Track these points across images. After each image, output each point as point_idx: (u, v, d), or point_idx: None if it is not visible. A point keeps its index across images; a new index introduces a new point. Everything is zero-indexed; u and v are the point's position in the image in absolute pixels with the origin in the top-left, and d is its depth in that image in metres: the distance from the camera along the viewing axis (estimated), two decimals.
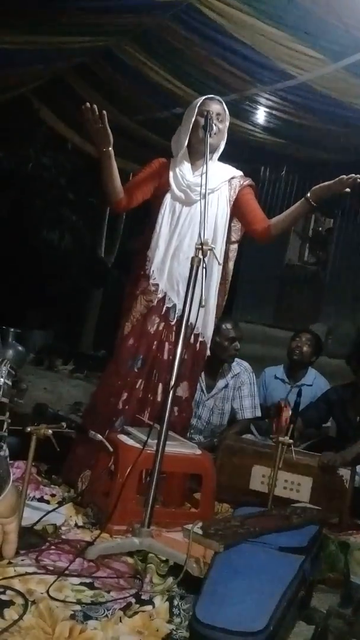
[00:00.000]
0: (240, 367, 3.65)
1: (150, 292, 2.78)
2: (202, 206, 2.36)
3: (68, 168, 8.71)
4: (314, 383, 4.01)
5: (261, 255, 7.41)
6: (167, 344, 2.78)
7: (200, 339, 2.84)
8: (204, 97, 2.80)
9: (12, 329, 6.65)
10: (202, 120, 2.71)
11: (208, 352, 2.92)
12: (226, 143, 2.89)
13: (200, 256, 2.22)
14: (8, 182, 8.58)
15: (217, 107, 2.77)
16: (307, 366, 4.10)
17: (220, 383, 3.62)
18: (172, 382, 2.21)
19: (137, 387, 2.77)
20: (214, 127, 2.70)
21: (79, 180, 8.85)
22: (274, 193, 7.23)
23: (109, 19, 4.14)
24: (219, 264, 2.77)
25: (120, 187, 2.81)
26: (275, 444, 2.68)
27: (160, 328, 2.79)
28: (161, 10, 3.98)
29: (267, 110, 4.98)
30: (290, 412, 3.00)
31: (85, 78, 5.66)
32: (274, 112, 4.97)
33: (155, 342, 2.78)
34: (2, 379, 2.29)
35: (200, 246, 2.22)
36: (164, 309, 2.78)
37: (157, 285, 2.78)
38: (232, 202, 2.85)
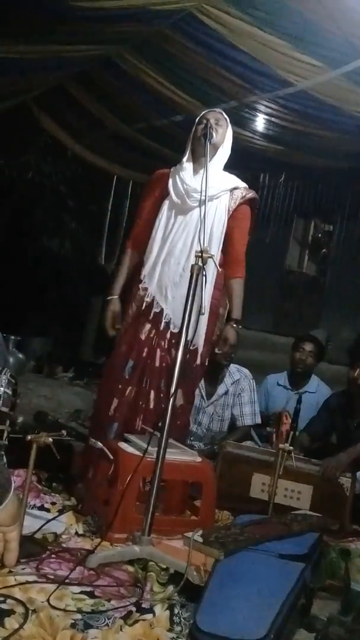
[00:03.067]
0: (240, 373, 3.66)
1: (140, 297, 2.81)
2: (201, 214, 2.37)
3: (68, 175, 8.74)
4: (317, 390, 4.01)
5: (261, 261, 7.43)
6: (158, 350, 2.79)
7: (191, 347, 2.80)
8: (206, 110, 2.89)
9: (12, 337, 6.68)
10: (200, 128, 2.77)
11: (198, 361, 2.88)
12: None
13: (200, 264, 2.22)
14: (8, 190, 8.61)
15: (214, 115, 2.85)
16: (310, 374, 4.10)
17: (220, 389, 3.62)
18: (172, 390, 2.21)
19: (127, 393, 2.78)
20: (213, 134, 2.72)
21: (79, 188, 8.88)
22: (273, 199, 7.25)
23: (109, 28, 4.16)
24: (218, 270, 2.78)
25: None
26: (275, 451, 2.68)
27: (151, 335, 2.80)
28: (161, 19, 4.00)
29: (266, 117, 5.00)
30: (289, 426, 3.00)
31: (85, 86, 5.68)
32: (273, 119, 4.99)
33: (145, 349, 2.79)
34: (2, 388, 2.30)
35: (200, 254, 2.22)
36: (152, 314, 2.79)
37: (147, 289, 2.80)
38: (230, 213, 2.86)
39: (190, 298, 2.24)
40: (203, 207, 2.36)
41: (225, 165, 2.97)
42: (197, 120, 2.86)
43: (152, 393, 2.77)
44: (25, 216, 8.76)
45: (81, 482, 2.77)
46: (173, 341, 2.77)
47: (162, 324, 2.78)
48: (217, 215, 2.82)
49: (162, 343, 2.79)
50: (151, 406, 2.76)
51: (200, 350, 2.85)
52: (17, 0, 3.48)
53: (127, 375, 2.78)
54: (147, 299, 2.79)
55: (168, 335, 2.79)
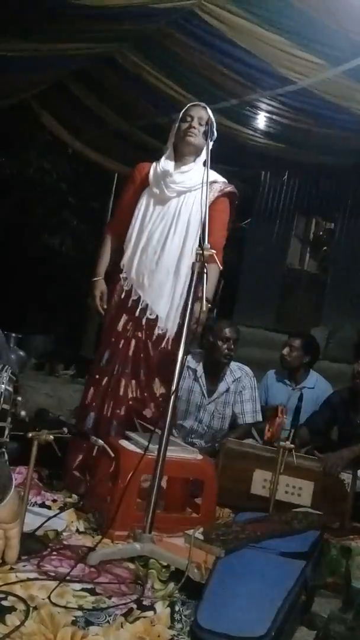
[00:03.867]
0: (241, 371, 3.66)
1: (120, 287, 2.88)
2: (203, 210, 2.36)
3: (69, 173, 8.74)
4: (316, 386, 4.01)
5: (262, 259, 7.43)
6: (133, 340, 2.86)
7: (166, 337, 2.86)
8: (189, 104, 2.90)
9: (13, 334, 6.68)
10: (183, 125, 2.82)
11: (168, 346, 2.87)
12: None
13: (201, 260, 2.23)
14: (9, 187, 8.61)
15: (199, 111, 2.85)
16: (309, 369, 4.10)
17: (221, 387, 3.62)
18: (173, 389, 2.22)
19: (103, 383, 2.86)
20: (214, 132, 2.75)
21: (79, 185, 8.88)
22: (275, 197, 7.25)
23: (110, 26, 4.16)
24: (219, 267, 2.80)
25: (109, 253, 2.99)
26: (276, 448, 2.68)
27: (128, 326, 2.86)
28: (162, 17, 4.00)
29: (267, 115, 5.00)
30: (285, 419, 3.01)
31: (86, 84, 5.69)
32: (274, 117, 4.98)
33: (122, 340, 2.85)
34: (3, 385, 2.30)
35: (200, 250, 2.23)
36: (130, 302, 2.85)
37: (125, 277, 2.87)
38: (208, 205, 2.89)
39: (192, 295, 2.29)
40: (204, 205, 2.36)
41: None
42: (180, 115, 2.86)
43: (123, 380, 2.83)
44: (26, 213, 8.76)
45: (73, 472, 2.81)
46: (148, 332, 2.84)
47: (139, 311, 2.84)
48: (195, 207, 2.84)
49: (139, 334, 2.85)
50: (121, 393, 2.83)
51: (171, 337, 2.86)
52: None
53: (103, 365, 2.86)
54: (126, 287, 2.86)
55: (144, 324, 2.84)
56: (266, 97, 4.67)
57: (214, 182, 2.89)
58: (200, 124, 2.81)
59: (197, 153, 2.87)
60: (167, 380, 2.96)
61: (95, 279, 2.92)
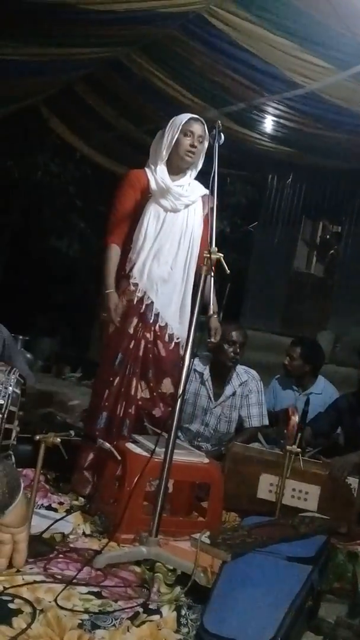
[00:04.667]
0: (248, 375, 3.65)
1: (130, 292, 2.90)
2: (211, 217, 2.39)
3: (76, 176, 8.78)
4: (323, 391, 4.00)
5: (268, 262, 7.42)
6: (143, 341, 2.91)
7: (175, 340, 2.93)
8: (188, 117, 2.90)
9: (20, 336, 6.69)
10: (185, 141, 2.84)
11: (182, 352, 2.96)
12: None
13: (209, 265, 2.24)
14: (18, 190, 8.65)
15: (200, 128, 2.87)
16: (315, 374, 4.09)
17: (228, 391, 3.62)
18: (180, 392, 2.22)
19: (115, 384, 2.89)
20: (223, 136, 2.75)
21: (87, 188, 8.91)
22: (282, 201, 7.24)
23: (118, 30, 4.18)
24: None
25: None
26: (283, 452, 2.68)
27: (138, 327, 2.90)
28: (170, 21, 4.01)
29: (274, 119, 5.00)
30: (297, 419, 3.00)
31: (94, 88, 5.71)
32: (281, 120, 4.99)
33: (133, 341, 2.90)
34: (10, 388, 2.32)
35: (208, 255, 2.24)
36: (143, 307, 2.90)
37: (137, 284, 2.89)
38: (203, 217, 2.97)
39: (199, 299, 2.30)
40: (213, 212, 2.40)
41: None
42: (180, 123, 2.85)
43: (134, 380, 2.88)
44: (34, 217, 8.80)
45: (83, 472, 2.83)
46: (158, 333, 2.90)
47: (151, 317, 2.89)
48: (196, 219, 2.95)
49: (148, 335, 2.90)
50: (132, 393, 2.87)
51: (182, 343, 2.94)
52: (26, 3, 3.49)
53: (117, 368, 2.89)
54: (138, 294, 2.89)
55: (154, 328, 2.91)
56: (274, 101, 4.67)
57: (204, 195, 2.95)
58: (200, 142, 2.85)
59: (191, 167, 2.94)
60: (177, 381, 3.02)
61: (109, 291, 2.90)
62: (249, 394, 3.61)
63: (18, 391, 2.29)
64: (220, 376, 3.61)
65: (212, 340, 3.00)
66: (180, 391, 2.23)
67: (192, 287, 2.92)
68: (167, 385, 2.92)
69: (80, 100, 5.91)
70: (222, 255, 2.31)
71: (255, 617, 1.69)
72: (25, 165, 8.45)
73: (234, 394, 3.61)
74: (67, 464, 2.67)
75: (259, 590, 1.81)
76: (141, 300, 2.89)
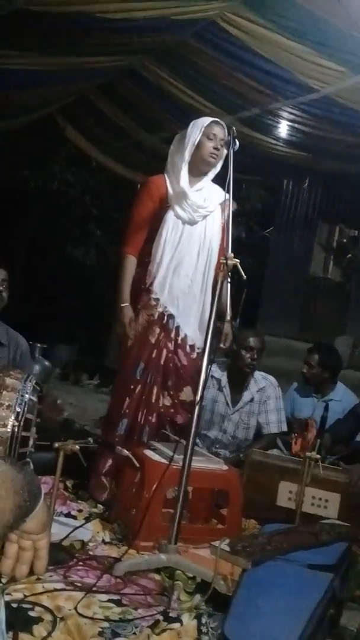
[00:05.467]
0: (266, 381, 3.63)
1: (151, 307, 2.90)
2: (228, 223, 2.40)
3: (92, 185, 8.83)
4: (342, 398, 3.96)
5: (285, 267, 7.39)
6: (164, 350, 2.91)
7: (197, 350, 2.94)
8: (210, 120, 2.88)
9: (38, 344, 6.73)
10: (207, 143, 2.81)
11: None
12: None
13: (226, 270, 2.23)
14: (34, 200, 8.73)
15: (221, 131, 2.85)
16: (334, 380, 4.05)
17: (246, 397, 3.60)
18: (198, 399, 2.22)
19: (137, 392, 2.89)
20: (237, 142, 2.74)
21: (102, 197, 8.96)
22: (297, 205, 7.22)
23: (132, 39, 4.20)
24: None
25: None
26: (302, 459, 2.65)
27: (160, 337, 2.91)
28: (183, 28, 4.03)
29: (289, 123, 4.99)
30: (315, 432, 2.98)
31: (109, 97, 5.75)
32: (296, 125, 4.97)
33: (155, 350, 2.90)
34: (27, 395, 2.32)
35: (224, 260, 2.23)
36: (165, 319, 2.90)
37: (158, 299, 2.89)
38: (222, 224, 2.95)
39: (215, 305, 2.31)
40: (229, 218, 2.40)
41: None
42: (202, 126, 2.82)
43: (155, 388, 2.89)
44: (51, 226, 8.86)
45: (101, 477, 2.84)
46: (180, 342, 2.91)
47: (172, 328, 2.90)
48: (215, 228, 2.94)
49: (169, 345, 2.91)
50: (153, 400, 2.88)
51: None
52: (41, 13, 3.53)
53: (139, 376, 2.89)
54: (159, 309, 2.90)
55: (175, 338, 2.91)
56: (288, 106, 4.66)
57: (223, 200, 2.93)
58: (221, 146, 2.82)
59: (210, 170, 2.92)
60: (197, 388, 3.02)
61: (124, 305, 2.87)
62: (267, 400, 3.58)
63: (35, 399, 2.29)
64: (238, 382, 3.59)
65: (222, 345, 2.98)
66: (199, 398, 2.23)
67: (210, 296, 2.93)
68: (187, 393, 2.92)
69: (96, 109, 5.96)
70: (238, 261, 2.31)
71: (276, 625, 1.67)
72: (41, 175, 8.52)
73: (252, 400, 3.59)
74: (86, 471, 2.67)
75: (280, 598, 1.79)
76: (162, 314, 2.90)
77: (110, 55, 4.59)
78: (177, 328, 2.90)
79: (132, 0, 3.57)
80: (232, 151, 2.64)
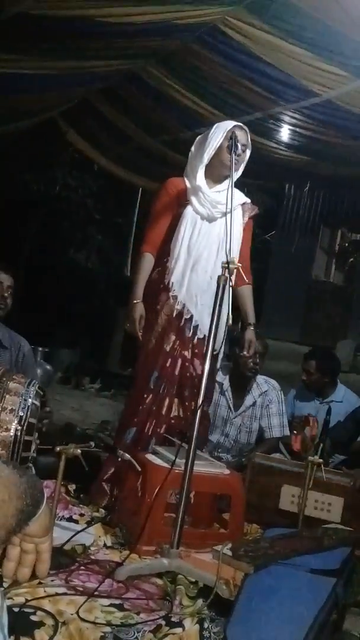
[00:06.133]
0: (268, 384, 3.63)
1: (169, 305, 2.84)
2: (227, 225, 2.39)
3: (94, 189, 8.86)
4: (344, 399, 3.96)
5: (287, 271, 7.40)
6: (179, 359, 2.84)
7: (214, 351, 2.85)
8: (233, 124, 2.85)
9: (40, 348, 6.75)
10: (228, 146, 2.77)
11: (218, 365, 2.97)
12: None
13: (227, 275, 2.23)
14: (36, 204, 8.75)
15: (244, 136, 2.83)
16: (335, 382, 4.05)
17: (248, 401, 3.60)
18: (199, 401, 2.22)
19: (148, 401, 2.84)
20: (240, 155, 2.74)
21: (105, 201, 8.99)
22: (299, 209, 7.22)
23: (134, 43, 4.21)
24: (247, 282, 2.84)
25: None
26: (305, 463, 2.65)
27: (175, 345, 2.85)
28: (185, 32, 4.04)
29: (291, 128, 4.99)
30: (316, 429, 2.97)
31: (111, 101, 5.76)
32: (298, 129, 4.98)
33: (169, 359, 2.84)
34: (30, 400, 2.32)
35: (226, 264, 2.23)
36: (183, 320, 2.83)
37: (176, 297, 2.83)
38: (243, 226, 2.94)
39: (217, 308, 2.27)
40: (229, 218, 2.40)
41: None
42: (225, 129, 2.80)
43: (167, 399, 2.83)
44: (53, 230, 8.89)
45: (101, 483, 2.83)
46: (196, 350, 2.83)
47: (190, 331, 2.82)
48: (235, 228, 2.87)
49: (185, 353, 2.84)
50: (163, 412, 2.82)
51: (221, 355, 2.92)
52: (42, 17, 3.54)
53: (152, 386, 2.83)
54: (178, 307, 2.82)
55: (192, 345, 2.85)
56: (290, 110, 4.67)
57: (244, 203, 2.94)
58: (243, 150, 2.80)
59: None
60: (209, 397, 2.99)
61: (136, 301, 2.84)
62: (270, 404, 3.58)
63: (37, 403, 2.29)
64: (240, 386, 3.59)
65: (245, 353, 2.95)
66: (199, 402, 2.22)
67: (228, 299, 2.89)
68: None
69: (97, 113, 5.97)
70: (240, 265, 2.30)
71: (279, 630, 1.66)
72: (43, 179, 8.55)
73: (254, 404, 3.59)
74: (88, 475, 2.67)
75: (283, 603, 1.78)
76: (180, 313, 2.83)
77: (112, 60, 4.60)
78: (195, 328, 2.82)
79: (134, 4, 3.57)
80: (234, 155, 2.66)
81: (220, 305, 2.28)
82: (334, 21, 3.45)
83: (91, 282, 9.11)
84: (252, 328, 2.97)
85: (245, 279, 2.79)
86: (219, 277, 2.26)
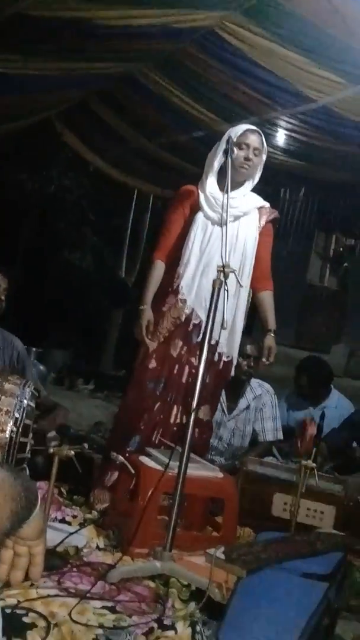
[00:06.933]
0: (262, 388, 3.64)
1: (177, 308, 2.79)
2: (223, 230, 2.41)
3: (90, 190, 8.86)
4: (338, 405, 3.98)
5: (282, 276, 7.40)
6: (187, 366, 2.80)
7: (224, 358, 2.84)
8: (244, 128, 2.83)
9: (33, 348, 6.73)
10: (240, 153, 2.76)
11: (232, 373, 2.92)
12: None
13: (222, 278, 2.23)
14: (31, 204, 8.74)
15: (256, 140, 2.80)
16: (329, 388, 4.06)
17: (242, 404, 3.61)
18: (194, 405, 2.22)
19: (155, 409, 2.80)
20: (235, 150, 2.73)
21: (100, 202, 8.99)
22: (294, 214, 7.25)
23: (131, 46, 4.22)
24: (240, 286, 2.80)
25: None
26: (297, 467, 2.65)
27: (182, 351, 2.81)
28: (183, 36, 4.05)
29: (287, 133, 5.02)
30: (315, 430, 2.96)
31: (108, 103, 5.77)
32: (294, 134, 5.00)
33: (176, 366, 2.80)
34: (25, 401, 2.32)
35: (222, 268, 2.24)
36: (191, 325, 2.78)
37: (185, 300, 2.78)
38: (259, 230, 2.90)
39: (212, 311, 2.27)
40: (229, 223, 2.40)
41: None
42: (236, 134, 2.77)
43: (175, 408, 2.79)
44: (48, 230, 8.88)
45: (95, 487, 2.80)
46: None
47: (198, 337, 2.75)
48: (250, 232, 2.85)
49: (193, 360, 2.78)
50: (171, 420, 2.78)
51: (234, 362, 2.87)
52: (41, 18, 3.55)
53: (159, 392, 2.79)
54: (187, 311, 2.78)
55: (199, 351, 2.79)
56: (286, 115, 4.69)
57: (262, 207, 2.91)
58: (255, 155, 2.78)
59: (247, 179, 2.85)
60: (215, 406, 2.99)
61: (144, 307, 2.80)
62: (263, 408, 3.59)
63: (33, 404, 2.29)
64: (234, 390, 3.59)
65: (265, 360, 2.90)
66: (194, 406, 2.22)
67: (244, 304, 2.85)
68: (204, 411, 2.84)
69: (93, 114, 5.98)
70: (235, 270, 2.31)
71: (271, 634, 1.66)
72: (39, 179, 8.54)
73: (247, 407, 3.60)
74: (81, 476, 2.66)
75: (275, 607, 1.79)
76: (189, 318, 2.78)
77: (109, 62, 4.61)
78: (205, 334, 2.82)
79: (132, 7, 3.58)
80: (230, 160, 2.65)
81: (215, 310, 2.28)
82: (330, 28, 3.48)
83: (86, 283, 9.10)
84: (272, 335, 2.91)
85: (266, 284, 2.78)
86: (213, 281, 2.27)
